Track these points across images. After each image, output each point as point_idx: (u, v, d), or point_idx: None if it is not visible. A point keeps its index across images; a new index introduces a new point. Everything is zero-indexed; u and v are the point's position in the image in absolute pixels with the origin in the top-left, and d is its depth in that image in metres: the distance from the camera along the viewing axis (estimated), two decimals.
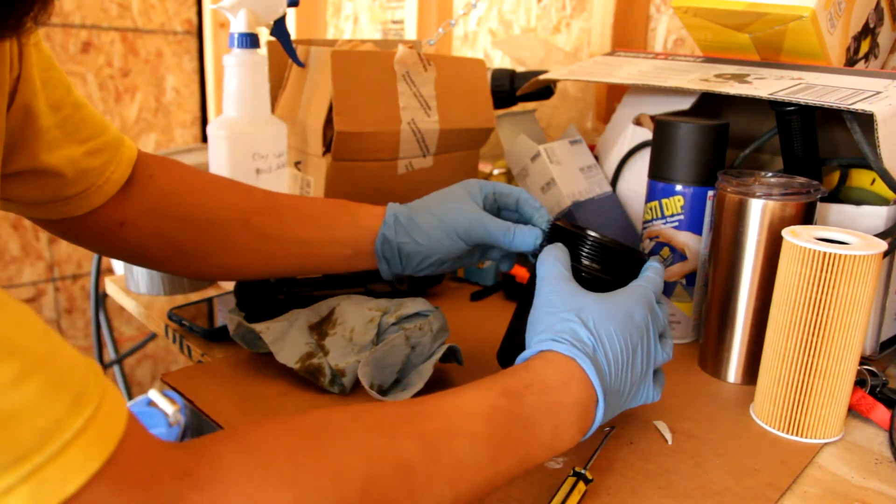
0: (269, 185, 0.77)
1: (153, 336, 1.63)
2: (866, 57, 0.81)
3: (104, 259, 1.46)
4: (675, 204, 0.71)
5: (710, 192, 0.70)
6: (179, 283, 0.86)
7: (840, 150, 0.78)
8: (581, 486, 0.48)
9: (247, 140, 0.78)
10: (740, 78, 0.75)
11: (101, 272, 1.37)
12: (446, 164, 0.90)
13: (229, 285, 0.86)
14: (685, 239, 0.71)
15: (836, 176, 0.75)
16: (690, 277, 0.73)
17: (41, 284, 1.82)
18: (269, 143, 0.79)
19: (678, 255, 0.72)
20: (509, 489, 0.49)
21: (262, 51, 0.82)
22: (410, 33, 1.44)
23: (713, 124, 0.69)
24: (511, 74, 1.04)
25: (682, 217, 0.71)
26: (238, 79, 0.78)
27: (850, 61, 0.79)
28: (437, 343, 0.63)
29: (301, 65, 0.87)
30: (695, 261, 0.72)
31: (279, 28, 0.82)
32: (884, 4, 0.81)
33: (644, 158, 0.85)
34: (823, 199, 0.65)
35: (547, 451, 0.44)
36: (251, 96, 0.79)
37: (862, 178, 0.73)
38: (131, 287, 0.87)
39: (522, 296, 0.59)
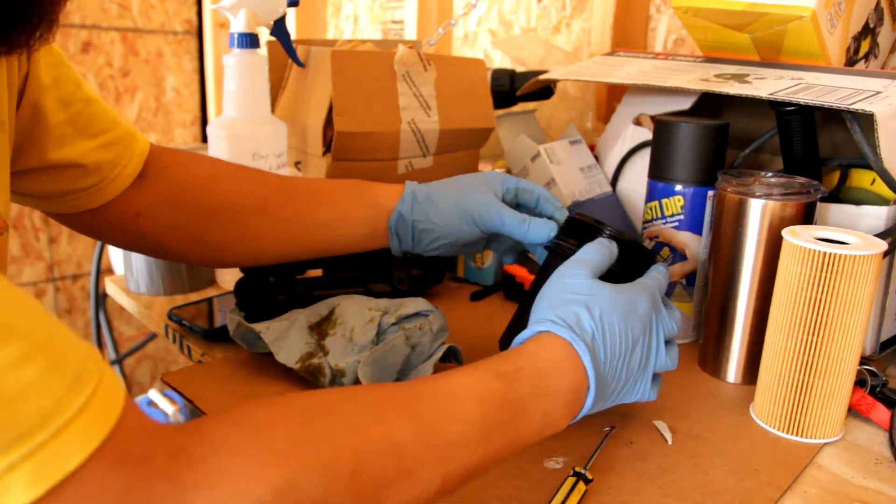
0: None
1: (153, 336, 1.63)
2: (866, 57, 0.81)
3: (104, 259, 1.46)
4: (675, 204, 0.71)
5: (710, 192, 0.70)
6: (179, 283, 0.86)
7: (840, 150, 0.78)
8: (581, 486, 0.48)
9: (247, 140, 0.78)
10: (740, 78, 0.75)
11: (101, 272, 1.37)
12: (446, 164, 0.90)
13: (229, 285, 0.86)
14: (685, 239, 0.71)
15: (836, 176, 0.75)
16: (690, 277, 0.73)
17: (41, 284, 1.82)
18: (269, 143, 0.79)
19: (678, 255, 0.72)
20: (509, 489, 0.49)
21: (262, 51, 0.82)
22: (410, 33, 1.44)
23: (713, 124, 0.69)
24: (511, 74, 1.04)
25: (682, 217, 0.71)
26: (238, 79, 0.78)
27: (850, 61, 0.79)
28: (437, 343, 0.63)
29: (301, 65, 0.87)
30: (695, 261, 0.72)
31: (279, 28, 0.82)
32: (884, 4, 0.81)
33: (644, 158, 0.85)
34: (823, 199, 0.65)
35: (536, 434, 0.45)
36: (251, 96, 0.79)
37: (862, 178, 0.73)
38: (131, 287, 0.87)
39: (537, 279, 0.60)
